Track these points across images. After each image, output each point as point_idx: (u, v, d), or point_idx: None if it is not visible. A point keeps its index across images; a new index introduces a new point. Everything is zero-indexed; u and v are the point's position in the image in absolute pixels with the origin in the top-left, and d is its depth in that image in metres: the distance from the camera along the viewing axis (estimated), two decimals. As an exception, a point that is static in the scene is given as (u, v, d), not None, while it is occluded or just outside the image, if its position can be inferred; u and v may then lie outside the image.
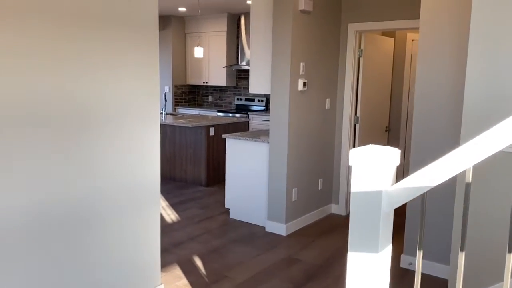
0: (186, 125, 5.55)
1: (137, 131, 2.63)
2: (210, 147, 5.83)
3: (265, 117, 7.39)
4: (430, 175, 1.18)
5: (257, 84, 4.31)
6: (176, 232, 4.15)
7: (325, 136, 4.60)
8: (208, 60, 8.45)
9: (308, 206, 4.44)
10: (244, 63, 7.92)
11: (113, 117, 2.47)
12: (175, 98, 8.68)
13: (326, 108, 4.55)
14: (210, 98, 8.94)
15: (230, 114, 7.86)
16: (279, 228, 4.13)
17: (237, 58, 8.36)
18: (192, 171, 5.95)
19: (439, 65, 3.12)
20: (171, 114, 7.21)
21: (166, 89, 8.66)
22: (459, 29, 3.02)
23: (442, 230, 3.24)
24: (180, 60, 8.71)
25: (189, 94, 8.99)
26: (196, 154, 5.86)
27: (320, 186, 4.60)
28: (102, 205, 2.43)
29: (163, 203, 5.08)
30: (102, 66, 2.35)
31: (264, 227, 4.29)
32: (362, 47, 4.64)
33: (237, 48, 8.31)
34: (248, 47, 7.87)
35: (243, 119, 6.37)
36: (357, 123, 4.74)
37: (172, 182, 6.08)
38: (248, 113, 7.60)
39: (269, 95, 7.95)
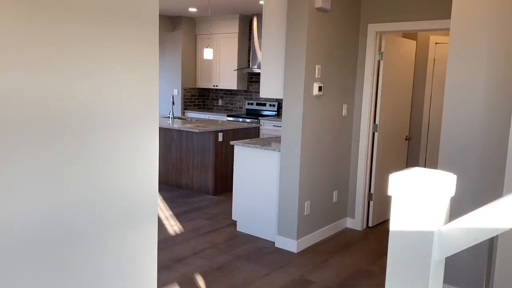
0: (193, 130, 5.27)
1: (131, 137, 2.35)
2: (218, 153, 5.54)
3: (276, 123, 7.07)
4: (507, 213, 0.85)
5: (269, 88, 4.01)
6: (179, 246, 3.85)
7: (341, 144, 4.27)
8: (219, 62, 8.18)
9: (321, 220, 4.11)
10: (256, 66, 7.63)
11: (104, 122, 2.19)
12: (184, 102, 8.42)
13: (343, 114, 4.23)
14: (220, 102, 8.66)
15: (240, 119, 7.57)
16: (290, 244, 3.81)
17: (249, 61, 8.08)
18: (199, 178, 5.66)
19: (473, 70, 2.78)
20: (179, 118, 6.95)
21: (175, 92, 8.42)
22: (498, 30, 2.68)
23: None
24: (190, 62, 8.46)
25: (198, 97, 8.72)
26: (204, 160, 5.57)
27: (335, 199, 4.26)
28: (88, 222, 2.14)
29: (167, 212, 4.79)
30: (92, 65, 2.07)
31: (273, 242, 3.97)
32: (382, 50, 4.31)
33: (249, 50, 8.03)
34: (260, 49, 7.58)
35: (253, 125, 6.07)
36: (376, 131, 4.41)
37: (178, 190, 5.79)
38: (259, 118, 7.31)
39: (281, 100, 7.66)
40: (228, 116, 7.75)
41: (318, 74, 3.77)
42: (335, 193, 4.26)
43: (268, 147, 3.94)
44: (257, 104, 7.97)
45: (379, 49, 4.32)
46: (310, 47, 3.64)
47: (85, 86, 2.15)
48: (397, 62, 4.59)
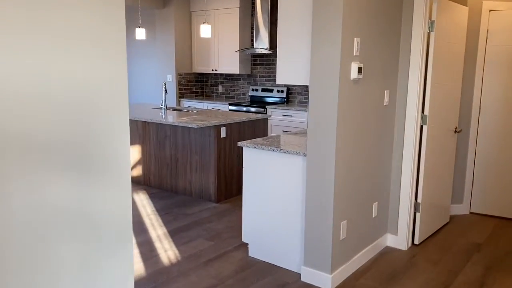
0: (190, 125, 4.29)
1: (91, 135, 1.40)
2: (221, 152, 4.57)
3: (286, 112, 6.08)
4: None
5: (289, 72, 3.02)
6: (174, 284, 2.91)
7: (383, 143, 3.30)
8: (218, 43, 7.14)
9: (359, 242, 3.17)
10: (260, 46, 6.60)
11: (54, 114, 1.25)
12: (179, 89, 7.41)
13: (384, 104, 3.25)
14: (220, 89, 7.65)
15: (244, 108, 6.57)
16: (322, 280, 2.87)
17: (252, 40, 7.04)
18: (199, 182, 4.70)
19: None
20: (173, 108, 5.95)
21: (169, 78, 7.39)
22: None
23: None
24: (184, 43, 7.41)
25: (195, 84, 7.70)
26: (204, 160, 4.60)
27: (374, 213, 3.31)
28: (31, 251, 1.21)
29: (159, 229, 3.84)
30: (29, 40, 1.11)
31: (298, 275, 3.04)
32: (433, 18, 3.31)
33: (252, 28, 6.99)
34: (265, 26, 6.54)
35: (260, 115, 5.08)
36: (425, 123, 3.43)
37: (174, 196, 4.83)
38: (266, 106, 6.31)
39: (291, 85, 6.66)
40: (230, 104, 6.74)
41: (357, 50, 2.78)
42: (375, 205, 3.30)
43: (290, 151, 2.96)
44: (263, 90, 6.96)
45: (430, 17, 3.31)
46: (347, 11, 2.64)
47: (19, 69, 1.21)
48: (451, 34, 3.59)
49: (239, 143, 3.24)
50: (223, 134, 4.55)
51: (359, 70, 2.78)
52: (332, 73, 2.66)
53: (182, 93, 7.46)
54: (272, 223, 3.16)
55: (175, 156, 4.89)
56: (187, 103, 7.36)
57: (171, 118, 4.73)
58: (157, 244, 3.53)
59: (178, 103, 7.41)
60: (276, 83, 3.20)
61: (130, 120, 5.21)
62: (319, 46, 2.69)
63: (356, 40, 2.75)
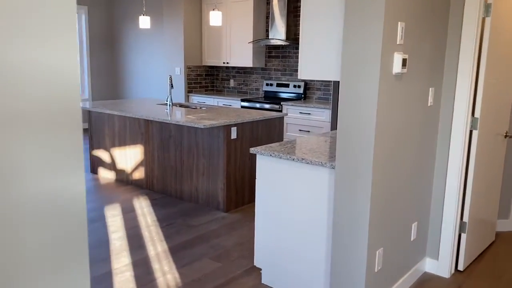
0: (196, 126, 3.77)
1: (33, 136, 0.90)
2: (231, 155, 4.05)
3: (303, 109, 5.53)
4: None
5: (312, 66, 2.48)
6: (171, 319, 2.41)
7: (425, 151, 2.74)
8: (230, 33, 6.60)
9: (396, 271, 2.62)
10: (276, 36, 6.05)
11: None
12: (188, 83, 6.90)
13: (429, 104, 2.68)
14: (231, 83, 7.12)
15: (258, 104, 6.03)
16: (352, 320, 2.34)
17: (267, 30, 6.49)
18: (206, 188, 4.20)
19: None
20: (180, 105, 5.45)
21: (177, 71, 6.89)
22: None
23: None
24: (194, 34, 6.89)
25: (205, 77, 7.19)
26: (212, 164, 4.09)
27: (413, 235, 2.76)
28: None
29: (159, 245, 3.35)
30: None
31: (322, 311, 2.51)
32: (490, 0, 2.72)
33: (267, 17, 6.43)
34: (282, 15, 5.98)
35: (275, 113, 4.55)
36: (475, 128, 2.86)
37: (178, 203, 4.34)
38: (281, 103, 5.77)
39: (309, 80, 6.09)
40: (242, 100, 6.21)
41: (401, 38, 2.22)
42: (414, 226, 2.75)
43: (313, 161, 2.43)
44: (278, 85, 6.41)
45: (485, 0, 2.73)
46: (391, -11, 2.08)
47: None
48: (510, 21, 3.00)
49: (252, 150, 2.71)
50: (233, 135, 4.03)
51: (404, 62, 2.22)
52: (370, 65, 2.11)
53: (191, 87, 6.96)
54: (290, 246, 2.63)
55: (180, 158, 4.38)
56: (196, 99, 6.85)
57: (176, 116, 4.22)
58: (155, 265, 3.03)
59: (187, 98, 6.91)
60: (298, 77, 2.66)
61: (131, 117, 4.72)
62: (354, 32, 2.14)
63: (400, 25, 2.19)
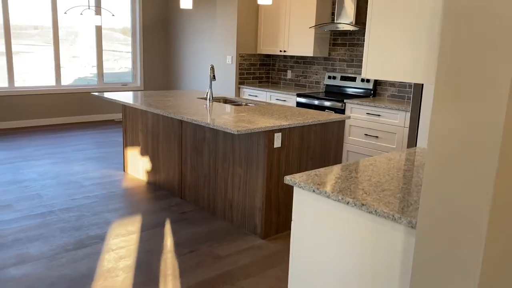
0: (227, 130, 2.97)
1: None
2: (274, 167, 3.21)
3: (372, 109, 4.53)
4: None
5: (385, 63, 1.56)
6: None
7: None
8: (289, 17, 5.71)
9: None
10: (343, 20, 5.06)
11: None
12: (240, 74, 6.12)
13: None
14: (289, 75, 6.24)
15: (316, 101, 5.11)
16: None
17: (333, 14, 5.51)
18: (242, 205, 3.41)
19: None
20: (225, 100, 4.68)
21: (228, 59, 6.13)
22: None
23: None
24: (249, 18, 6.08)
25: (260, 68, 6.37)
26: (250, 176, 3.29)
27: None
28: None
29: (171, 285, 2.61)
30: None
31: None
32: None
33: (333, -2, 5.46)
34: (351, -5, 4.97)
35: (334, 116, 3.63)
36: None
37: (209, 221, 3.60)
38: (345, 100, 4.80)
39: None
40: (299, 96, 5.32)
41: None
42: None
43: (379, 211, 1.52)
44: (342, 78, 5.43)
45: None
46: None
47: None
48: None
49: (287, 179, 1.85)
50: (277, 143, 3.18)
51: (556, 54, 1.23)
52: (494, 68, 1.15)
53: (243, 78, 6.18)
54: (337, 328, 1.76)
55: (214, 166, 3.63)
56: (248, 91, 6.06)
57: (210, 115, 3.45)
58: (157, 317, 2.30)
59: (238, 91, 6.14)
60: (362, 77, 1.75)
61: (153, 113, 4.04)
62: (459, 15, 1.19)
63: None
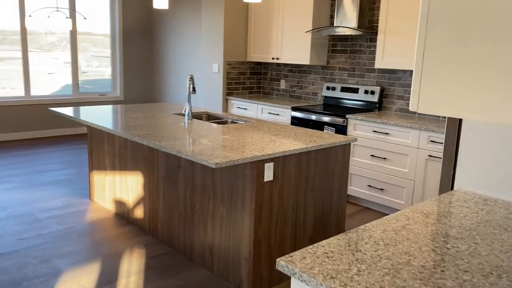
0: (203, 163, 2.29)
1: None
2: (265, 205, 2.54)
3: (378, 126, 3.88)
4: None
5: (456, 96, 0.88)
6: None
7: None
8: (283, 21, 5.07)
9: None
10: (344, 24, 4.42)
11: None
12: (228, 83, 5.46)
13: None
14: (282, 85, 5.58)
15: (314, 116, 4.45)
16: None
17: (332, 16, 4.88)
18: (224, 252, 2.72)
19: None
20: (208, 115, 4.00)
21: (215, 68, 5.47)
22: None
23: None
24: (238, 23, 5.43)
25: (250, 77, 5.71)
26: (234, 217, 2.61)
27: None
28: None
29: None
30: None
31: None
32: None
33: (332, 0, 4.83)
34: (353, -5, 4.33)
35: (337, 139, 2.97)
36: None
37: (185, 269, 2.90)
38: (347, 115, 4.14)
39: (390, 83, 4.29)
40: (294, 109, 4.66)
41: None
42: None
43: None
44: (343, 89, 4.78)
45: None
46: None
47: None
48: None
49: (282, 264, 1.17)
50: (268, 176, 2.50)
51: None
52: None
53: (232, 89, 5.51)
54: None
55: (191, 200, 2.94)
56: (236, 103, 5.39)
57: (182, 138, 2.77)
58: None
59: (225, 103, 5.47)
60: (410, 109, 1.08)
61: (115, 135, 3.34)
62: None
63: None
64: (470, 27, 0.95)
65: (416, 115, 4.23)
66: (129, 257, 3.02)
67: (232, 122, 3.67)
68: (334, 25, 4.52)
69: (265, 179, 2.49)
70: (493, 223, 1.49)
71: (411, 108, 1.01)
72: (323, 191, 2.88)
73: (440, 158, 3.52)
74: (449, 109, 0.92)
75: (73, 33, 6.96)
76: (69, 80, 7.07)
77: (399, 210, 3.87)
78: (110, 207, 3.86)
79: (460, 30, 0.95)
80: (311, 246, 1.26)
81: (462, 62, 0.95)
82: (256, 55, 5.44)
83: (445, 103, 0.92)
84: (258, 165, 2.44)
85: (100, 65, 7.39)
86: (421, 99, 0.95)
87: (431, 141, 3.58)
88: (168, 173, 3.10)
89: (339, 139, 2.89)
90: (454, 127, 2.22)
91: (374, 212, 4.07)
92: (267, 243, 2.59)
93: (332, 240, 1.30)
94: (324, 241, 1.30)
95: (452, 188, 2.33)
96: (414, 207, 1.62)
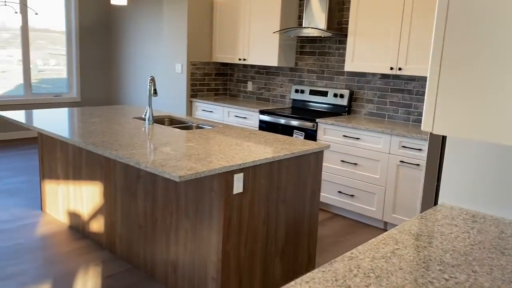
0: (169, 176, 2.07)
1: None
2: (234, 219, 2.34)
3: (349, 130, 3.77)
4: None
5: (478, 117, 0.72)
6: None
7: None
8: (249, 21, 4.89)
9: None
10: (313, 25, 4.29)
11: None
12: (192, 85, 5.22)
13: None
14: (249, 87, 5.40)
15: (282, 120, 4.29)
16: None
17: (300, 17, 4.74)
18: (189, 270, 2.50)
19: None
20: (171, 119, 3.75)
21: (177, 68, 5.22)
22: None
23: None
24: (202, 21, 5.20)
25: (215, 78, 5.49)
26: (200, 232, 2.40)
27: None
28: None
29: None
30: None
31: None
32: None
33: (301, 0, 4.69)
34: (322, -5, 4.21)
35: (310, 147, 2.82)
36: None
37: (145, 286, 2.65)
38: (317, 119, 4.01)
39: (359, 87, 4.19)
40: (262, 113, 4.49)
41: None
42: None
43: None
44: (312, 92, 4.65)
45: None
46: None
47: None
48: None
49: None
50: (238, 188, 2.30)
51: None
52: None
53: (196, 90, 5.27)
54: None
55: (152, 214, 2.70)
56: (201, 106, 5.16)
57: (140, 146, 2.53)
58: None
59: (189, 105, 5.23)
60: (422, 129, 0.91)
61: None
62: None
63: None
64: (491, 43, 0.80)
65: (386, 119, 4.16)
66: (83, 277, 2.74)
67: (198, 127, 3.45)
68: (303, 26, 4.39)
69: (234, 191, 2.29)
70: (487, 244, 1.36)
71: (423, 128, 0.85)
72: (295, 201, 2.71)
73: (412, 164, 3.44)
74: (471, 132, 0.76)
75: (24, 29, 6.49)
76: (22, 80, 6.59)
77: (370, 217, 3.77)
78: (64, 220, 3.54)
79: (480, 47, 0.80)
80: (293, 283, 1.07)
81: (485, 82, 0.79)
82: (221, 56, 5.23)
83: (466, 125, 0.77)
84: (226, 176, 2.23)
85: (58, 64, 6.94)
86: (436, 119, 0.79)
87: (402, 146, 3.49)
88: (127, 184, 2.84)
89: (312, 146, 2.73)
90: (438, 137, 2.10)
91: (345, 219, 3.95)
92: (236, 261, 2.39)
93: (317, 273, 1.12)
94: (308, 275, 1.12)
95: (436, 201, 2.22)
96: (401, 227, 1.48)
